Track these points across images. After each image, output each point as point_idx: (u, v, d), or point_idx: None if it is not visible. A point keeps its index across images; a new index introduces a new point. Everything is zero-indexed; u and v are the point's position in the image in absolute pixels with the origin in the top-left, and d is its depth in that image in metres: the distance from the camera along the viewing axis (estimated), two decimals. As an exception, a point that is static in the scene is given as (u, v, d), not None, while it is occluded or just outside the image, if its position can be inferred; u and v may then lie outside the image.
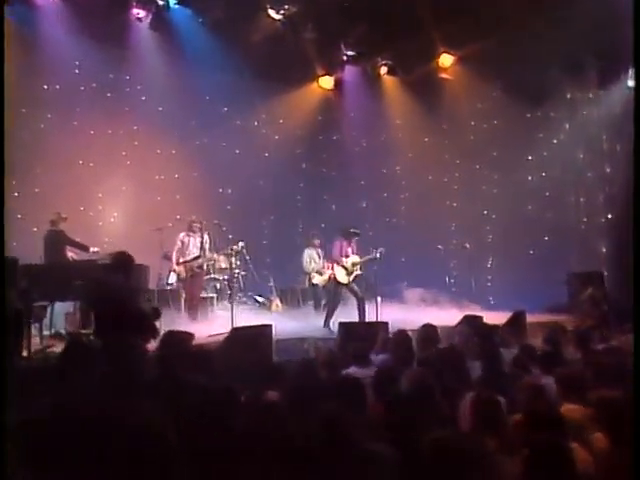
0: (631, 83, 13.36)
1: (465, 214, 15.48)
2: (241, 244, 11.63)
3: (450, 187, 15.95)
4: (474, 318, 8.62)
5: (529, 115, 14.91)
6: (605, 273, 13.66)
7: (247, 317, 10.44)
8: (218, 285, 12.13)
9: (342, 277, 11.10)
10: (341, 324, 8.85)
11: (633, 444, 3.94)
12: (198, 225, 11.38)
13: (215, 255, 11.66)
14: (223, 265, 11.83)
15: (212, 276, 12.02)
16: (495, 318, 12.76)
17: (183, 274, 11.14)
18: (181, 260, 11.23)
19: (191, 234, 11.38)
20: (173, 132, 13.82)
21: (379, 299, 10.88)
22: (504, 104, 14.72)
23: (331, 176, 15.96)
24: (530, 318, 12.66)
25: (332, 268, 11.34)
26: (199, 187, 13.98)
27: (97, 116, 12.83)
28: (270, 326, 7.82)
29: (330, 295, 11.62)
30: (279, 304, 12.62)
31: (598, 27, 12.20)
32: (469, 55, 14.23)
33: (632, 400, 4.33)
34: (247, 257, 12.19)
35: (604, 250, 14.40)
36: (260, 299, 12.72)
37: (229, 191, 14.81)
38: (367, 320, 10.51)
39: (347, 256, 11.20)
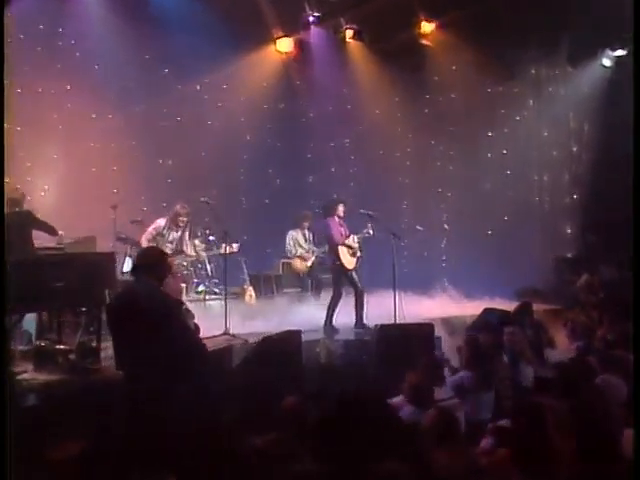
0: (606, 62, 12.90)
1: (418, 191, 14.72)
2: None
3: (402, 163, 15.14)
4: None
5: (490, 90, 14.19)
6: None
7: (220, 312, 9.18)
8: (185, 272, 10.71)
9: (348, 261, 9.86)
10: (381, 327, 7.79)
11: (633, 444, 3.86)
12: (185, 219, 9.86)
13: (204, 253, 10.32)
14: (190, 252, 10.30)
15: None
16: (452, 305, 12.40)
17: None
18: None
19: (173, 227, 9.86)
20: (110, 94, 12.31)
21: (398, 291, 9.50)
22: (463, 77, 13.99)
23: (276, 148, 14.73)
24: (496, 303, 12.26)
25: (336, 252, 9.95)
26: (137, 157, 12.55)
27: (25, 72, 11.08)
28: (299, 333, 6.73)
29: (316, 283, 10.44)
30: (253, 294, 11.24)
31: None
32: (446, 23, 13.51)
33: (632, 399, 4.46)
34: (210, 238, 10.79)
35: (569, 231, 13.99)
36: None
37: (169, 162, 13.43)
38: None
39: (347, 236, 10.02)
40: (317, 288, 11.45)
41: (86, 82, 11.87)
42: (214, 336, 8.02)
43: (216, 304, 10.30)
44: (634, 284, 6.64)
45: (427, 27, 13.76)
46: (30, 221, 8.32)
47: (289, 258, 11.93)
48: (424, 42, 13.80)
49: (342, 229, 10.11)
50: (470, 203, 14.01)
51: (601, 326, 8.47)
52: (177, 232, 9.76)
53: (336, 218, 10.16)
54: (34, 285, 6.30)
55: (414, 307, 10.42)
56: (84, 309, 6.73)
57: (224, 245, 9.62)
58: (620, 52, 12.67)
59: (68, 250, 8.18)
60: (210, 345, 7.50)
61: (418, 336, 7.34)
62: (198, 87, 13.66)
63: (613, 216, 12.30)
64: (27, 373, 6.16)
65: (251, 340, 7.76)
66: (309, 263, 11.51)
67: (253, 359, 5.96)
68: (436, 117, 14.56)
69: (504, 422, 4.96)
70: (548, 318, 10.00)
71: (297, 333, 6.83)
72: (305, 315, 9.93)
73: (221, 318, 8.80)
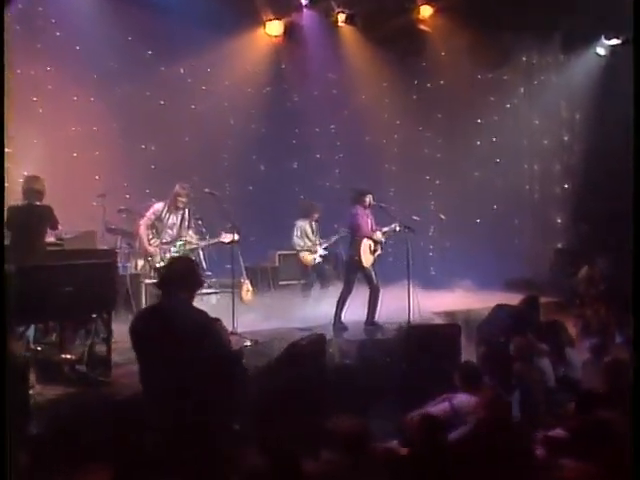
0: (601, 50, 12.72)
1: (405, 179, 14.44)
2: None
3: (389, 149, 14.86)
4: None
5: (480, 77, 13.92)
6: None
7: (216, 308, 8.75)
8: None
9: (367, 258, 9.32)
10: (411, 328, 7.49)
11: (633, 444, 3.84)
12: (185, 200, 9.06)
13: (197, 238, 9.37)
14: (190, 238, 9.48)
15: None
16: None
17: (157, 260, 8.69)
18: (155, 241, 8.89)
19: (173, 209, 9.07)
20: (91, 76, 11.90)
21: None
22: (452, 63, 13.73)
23: (260, 133, 14.30)
24: (488, 295, 12.11)
25: (357, 246, 9.33)
26: (120, 142, 12.21)
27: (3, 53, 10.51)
28: (323, 336, 6.41)
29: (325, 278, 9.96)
30: (250, 288, 10.70)
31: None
32: (445, 7, 13.14)
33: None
34: (203, 230, 10.30)
35: (559, 221, 13.86)
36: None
37: (152, 148, 12.98)
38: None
39: (374, 230, 9.52)
40: (324, 282, 11.06)
41: (67, 63, 11.44)
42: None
43: (211, 299, 9.90)
44: (634, 283, 6.47)
45: (426, 11, 13.43)
46: (49, 217, 7.57)
47: (292, 249, 11.47)
48: (420, 27, 13.42)
49: (369, 220, 9.58)
50: (458, 191, 13.77)
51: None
52: (177, 215, 9.05)
53: (364, 209, 9.58)
54: (41, 291, 5.62)
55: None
56: (94, 315, 6.18)
57: (224, 233, 9.07)
58: (615, 41, 12.52)
59: (67, 247, 7.64)
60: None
61: (445, 337, 7.04)
62: (182, 70, 13.19)
63: (605, 207, 12.21)
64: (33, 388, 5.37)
65: (261, 340, 7.46)
66: (317, 256, 11.06)
67: (283, 369, 5.58)
68: (424, 103, 14.26)
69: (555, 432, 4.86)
70: (548, 311, 9.80)
71: (322, 337, 6.49)
72: (310, 311, 9.62)
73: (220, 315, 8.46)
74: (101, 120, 11.94)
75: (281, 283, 11.74)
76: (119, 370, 6.09)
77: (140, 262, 9.63)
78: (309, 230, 11.49)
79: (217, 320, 4.63)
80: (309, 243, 11.31)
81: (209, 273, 10.36)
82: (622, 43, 12.34)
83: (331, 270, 11.31)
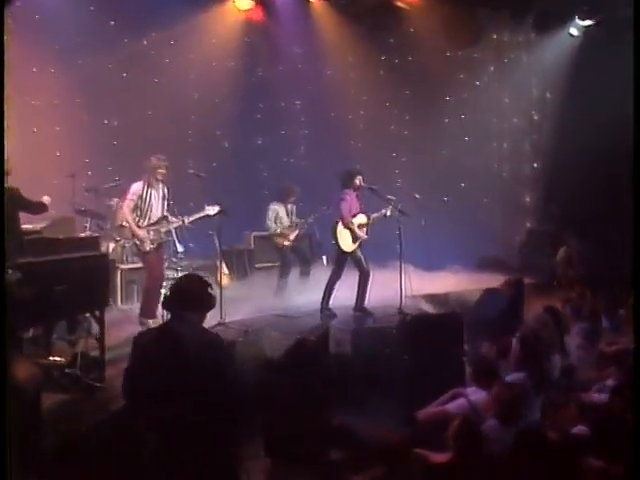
0: (574, 31, 12.63)
1: (371, 156, 14.11)
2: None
3: (355, 126, 14.54)
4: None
5: (449, 54, 13.70)
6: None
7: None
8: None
9: (345, 243, 9.02)
10: (414, 318, 7.29)
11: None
12: (164, 172, 8.42)
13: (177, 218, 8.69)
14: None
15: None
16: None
17: (148, 243, 8.11)
18: (142, 222, 8.21)
19: (154, 184, 8.37)
20: (52, 47, 11.34)
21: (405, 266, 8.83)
22: (420, 40, 13.50)
23: (224, 108, 13.86)
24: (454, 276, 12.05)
25: (335, 232, 9.08)
26: (81, 117, 11.77)
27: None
28: (328, 330, 6.19)
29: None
30: (226, 271, 10.26)
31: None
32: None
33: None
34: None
35: (528, 200, 13.85)
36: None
37: (115, 123, 12.54)
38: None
39: (354, 215, 9.21)
40: (304, 265, 10.67)
41: (26, 33, 10.72)
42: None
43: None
44: (634, 282, 6.45)
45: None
46: (17, 201, 6.55)
47: (270, 234, 10.91)
48: (393, 2, 13.06)
49: (356, 205, 9.28)
50: (426, 169, 13.59)
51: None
52: (158, 192, 8.40)
53: (352, 191, 9.28)
54: (32, 291, 5.01)
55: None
56: (87, 315, 5.78)
57: (207, 206, 8.59)
58: (588, 22, 12.45)
59: (46, 234, 7.09)
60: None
61: (447, 327, 6.87)
62: (145, 42, 12.69)
63: (575, 187, 12.24)
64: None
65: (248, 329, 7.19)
66: (291, 237, 10.64)
67: (294, 369, 5.29)
68: (392, 80, 13.98)
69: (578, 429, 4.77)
70: (528, 294, 9.72)
71: (327, 331, 6.25)
72: (292, 296, 9.39)
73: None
74: (62, 93, 11.49)
75: (257, 266, 11.39)
76: (110, 370, 5.66)
77: (112, 245, 9.20)
78: (283, 213, 10.99)
79: (233, 345, 4.34)
80: (282, 227, 10.78)
81: (181, 255, 10.00)
82: (596, 24, 12.29)
83: (307, 251, 10.92)
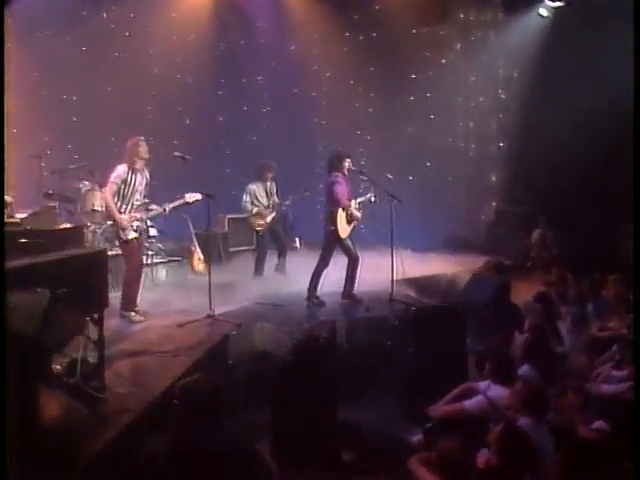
0: (543, 11, 12.57)
1: (335, 133, 13.89)
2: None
3: (318, 102, 14.27)
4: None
5: (414, 31, 13.52)
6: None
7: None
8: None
9: (343, 229, 8.54)
10: (417, 310, 7.13)
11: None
12: (147, 153, 7.91)
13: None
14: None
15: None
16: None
17: (130, 231, 7.56)
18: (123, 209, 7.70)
19: (138, 168, 7.80)
20: (7, 18, 10.59)
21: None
22: (385, 16, 13.30)
23: (186, 83, 13.46)
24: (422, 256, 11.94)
25: (334, 217, 8.46)
26: (39, 93, 11.48)
27: None
28: (334, 324, 5.99)
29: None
30: (201, 256, 9.84)
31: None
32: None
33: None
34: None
35: (494, 179, 13.85)
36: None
37: (74, 98, 12.18)
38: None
39: (350, 199, 8.70)
40: (280, 248, 10.30)
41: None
42: (195, 320, 7.08)
43: (160, 274, 9.26)
44: (634, 281, 6.49)
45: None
46: None
47: (247, 215, 10.36)
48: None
49: (348, 189, 8.76)
50: (391, 147, 13.46)
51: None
52: (142, 176, 7.87)
53: (342, 175, 8.69)
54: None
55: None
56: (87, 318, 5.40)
57: (186, 194, 8.17)
58: (558, 3, 12.40)
59: (28, 226, 6.66)
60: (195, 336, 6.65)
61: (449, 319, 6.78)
62: (105, 15, 12.20)
63: (542, 167, 12.28)
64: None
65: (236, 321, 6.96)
66: (268, 219, 10.15)
67: (307, 367, 5.08)
68: (356, 56, 13.77)
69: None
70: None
71: (334, 325, 6.02)
72: (270, 282, 9.15)
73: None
74: (19, 68, 10.86)
75: (231, 250, 11.06)
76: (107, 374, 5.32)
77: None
78: (262, 192, 10.44)
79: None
80: (260, 207, 10.27)
81: (153, 240, 9.67)
82: (565, 5, 12.26)
83: (281, 233, 10.50)
